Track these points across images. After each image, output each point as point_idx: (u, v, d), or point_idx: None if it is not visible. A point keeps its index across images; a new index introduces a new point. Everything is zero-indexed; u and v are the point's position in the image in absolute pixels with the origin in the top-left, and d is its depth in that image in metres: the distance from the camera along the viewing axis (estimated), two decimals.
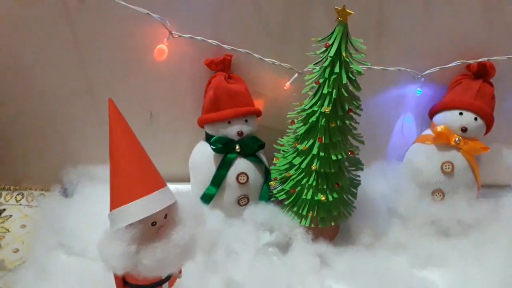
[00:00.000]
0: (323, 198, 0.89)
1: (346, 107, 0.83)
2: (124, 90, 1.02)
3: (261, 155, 0.99)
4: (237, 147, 0.94)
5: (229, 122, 0.94)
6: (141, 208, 0.63)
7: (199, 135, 1.03)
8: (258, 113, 0.97)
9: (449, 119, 0.97)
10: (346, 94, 0.81)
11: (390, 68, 0.99)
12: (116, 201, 0.65)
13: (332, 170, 0.87)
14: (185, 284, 0.81)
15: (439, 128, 0.97)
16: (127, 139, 0.66)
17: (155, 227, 0.65)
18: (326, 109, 0.81)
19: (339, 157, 0.85)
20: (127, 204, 0.63)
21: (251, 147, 0.95)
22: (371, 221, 0.97)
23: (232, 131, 0.94)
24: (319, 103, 0.83)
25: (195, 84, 1.01)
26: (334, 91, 0.80)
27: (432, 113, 1.01)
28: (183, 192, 0.72)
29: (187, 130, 1.05)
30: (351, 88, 0.84)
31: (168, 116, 1.06)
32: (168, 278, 0.72)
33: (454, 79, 1.01)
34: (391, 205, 1.00)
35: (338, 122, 0.83)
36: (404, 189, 1.00)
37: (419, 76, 0.99)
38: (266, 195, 0.97)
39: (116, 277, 0.68)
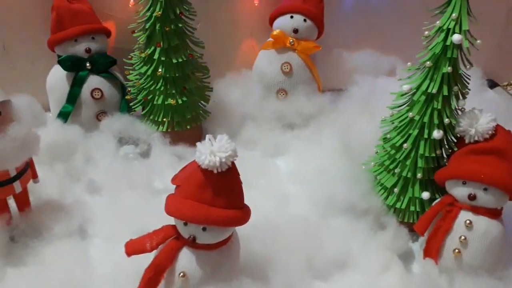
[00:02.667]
0: (173, 102, 0.97)
1: (177, 11, 0.90)
2: None
3: (116, 72, 1.04)
4: (88, 64, 0.99)
5: (75, 40, 0.98)
6: None
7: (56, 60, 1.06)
8: (105, 31, 1.01)
9: (283, 23, 1.07)
10: None
11: None
12: None
13: (177, 74, 0.95)
14: (46, 190, 0.87)
15: (274, 32, 1.07)
16: None
17: None
18: (158, 13, 0.89)
19: (180, 60, 0.93)
20: None
21: (102, 63, 1.00)
22: (226, 123, 1.08)
23: (80, 48, 0.98)
24: (151, 8, 0.90)
25: (44, 10, 1.03)
26: None
27: (271, 21, 1.11)
28: (22, 96, 0.77)
29: (44, 58, 1.06)
30: None
31: (22, 45, 1.07)
32: (18, 176, 0.77)
33: None
34: (243, 108, 1.11)
35: (172, 26, 0.91)
36: (252, 93, 1.11)
37: None
38: (124, 109, 1.03)
39: None
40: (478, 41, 0.71)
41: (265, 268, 0.73)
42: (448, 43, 0.70)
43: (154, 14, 0.89)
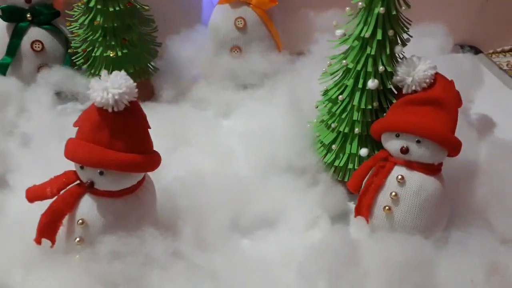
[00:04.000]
0: (112, 54, 0.93)
1: None
2: None
3: (60, 25, 1.01)
4: (28, 15, 0.95)
5: None
6: None
7: None
8: None
9: None
10: None
11: None
12: None
13: (115, 24, 0.91)
14: None
15: None
16: None
17: None
18: None
19: (117, 8, 0.89)
20: None
21: (44, 14, 0.96)
22: (176, 80, 1.04)
23: None
24: None
25: None
26: None
27: None
28: None
29: None
30: None
31: None
32: None
33: None
34: (195, 66, 1.06)
35: None
36: (205, 50, 1.07)
37: None
38: (68, 63, 0.99)
39: None
40: None
41: (184, 221, 0.70)
42: None
43: None
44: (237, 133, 0.93)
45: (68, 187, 0.63)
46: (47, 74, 0.94)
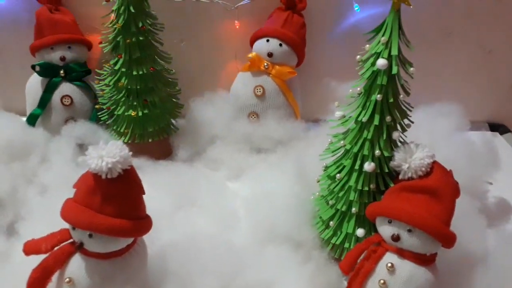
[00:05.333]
0: (133, 114, 0.98)
1: (140, 24, 0.92)
2: None
3: (91, 82, 1.08)
4: (62, 71, 1.03)
5: (52, 48, 1.02)
6: None
7: None
8: (84, 42, 1.05)
9: (259, 46, 1.06)
10: (133, 11, 0.90)
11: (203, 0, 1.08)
12: None
13: (139, 86, 0.97)
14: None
15: (250, 55, 1.07)
16: None
17: None
18: (119, 25, 0.91)
19: (140, 72, 0.95)
20: None
21: (76, 72, 1.04)
22: (194, 140, 1.07)
23: (55, 56, 1.02)
24: (114, 20, 0.92)
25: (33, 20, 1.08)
26: (122, 8, 0.90)
27: (251, 44, 1.10)
28: None
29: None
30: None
31: (15, 50, 1.13)
32: None
33: (271, 13, 1.11)
34: (213, 127, 1.10)
35: (134, 39, 0.93)
36: (224, 113, 1.10)
37: (233, 8, 1.09)
38: (94, 118, 1.05)
39: None
40: (412, 69, 0.66)
41: (169, 287, 0.71)
42: (375, 68, 0.66)
43: (115, 26, 0.91)
44: (242, 197, 0.95)
45: (61, 245, 0.66)
46: (71, 127, 1.00)
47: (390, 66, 0.65)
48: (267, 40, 1.05)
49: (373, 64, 0.66)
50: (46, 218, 0.84)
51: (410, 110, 0.72)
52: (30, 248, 0.67)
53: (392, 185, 0.72)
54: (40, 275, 0.64)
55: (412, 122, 0.73)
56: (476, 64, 1.23)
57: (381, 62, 0.64)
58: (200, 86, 1.15)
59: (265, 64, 1.05)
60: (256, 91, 1.06)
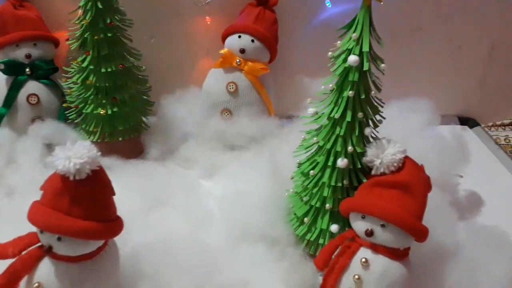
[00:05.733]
0: (102, 112, 0.96)
1: (108, 20, 0.90)
2: None
3: (58, 80, 1.05)
4: (27, 69, 0.99)
5: (17, 45, 0.98)
6: None
7: None
8: (50, 39, 1.02)
9: (231, 42, 1.05)
10: (101, 7, 0.88)
11: None
12: None
13: (107, 84, 0.94)
14: None
15: (222, 51, 1.05)
16: None
17: None
18: (86, 21, 0.88)
19: (109, 69, 0.93)
20: None
21: (43, 70, 1.00)
22: (165, 138, 1.06)
23: (20, 53, 0.99)
24: (82, 16, 0.90)
25: None
26: (89, 4, 0.87)
27: (223, 40, 1.09)
28: None
29: None
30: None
31: None
32: None
33: (243, 9, 1.10)
34: (185, 125, 1.09)
35: (102, 35, 0.90)
36: (196, 111, 1.09)
37: (204, 3, 1.07)
38: (62, 117, 1.02)
39: None
40: (383, 65, 0.66)
41: None
42: (346, 65, 0.66)
43: (83, 22, 0.89)
44: (215, 196, 0.93)
45: (29, 249, 0.64)
46: (38, 126, 0.97)
47: (361, 63, 0.65)
48: (239, 36, 1.04)
49: (345, 60, 0.66)
50: (13, 221, 0.81)
51: (382, 106, 0.72)
52: None
53: (365, 180, 0.72)
54: (7, 281, 0.62)
55: (384, 118, 0.73)
56: (446, 59, 1.25)
57: (353, 59, 0.64)
58: (171, 83, 1.13)
59: (237, 60, 1.04)
60: (229, 87, 1.05)
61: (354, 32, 0.65)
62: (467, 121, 1.33)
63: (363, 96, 0.67)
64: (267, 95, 1.08)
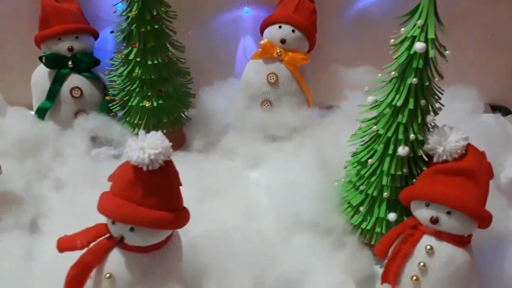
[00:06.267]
0: (148, 104, 0.96)
1: (154, 12, 0.90)
2: None
3: (100, 73, 1.05)
4: (70, 62, 0.99)
5: (59, 39, 0.99)
6: None
7: None
8: (91, 32, 1.02)
9: (271, 33, 1.05)
10: None
11: None
12: None
13: (153, 76, 0.94)
14: (11, 184, 0.87)
15: (262, 42, 1.05)
16: None
17: None
18: (133, 13, 0.88)
19: (155, 62, 0.92)
20: None
21: (85, 63, 1.00)
22: (207, 130, 1.06)
23: (63, 46, 0.99)
24: (128, 9, 0.90)
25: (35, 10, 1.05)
26: None
27: (262, 31, 1.09)
28: None
29: (37, 55, 1.08)
30: None
31: (16, 42, 1.09)
32: None
33: None
34: (226, 117, 1.09)
35: (148, 27, 0.90)
36: (237, 102, 1.09)
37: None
38: (104, 109, 1.02)
39: None
40: (447, 52, 0.66)
41: (208, 278, 0.70)
42: (412, 52, 0.65)
43: (129, 15, 0.89)
44: (263, 187, 0.94)
45: (98, 240, 0.65)
46: (84, 120, 0.97)
47: (426, 50, 0.65)
48: (280, 27, 1.04)
49: (409, 47, 0.66)
50: (67, 214, 0.82)
51: (442, 94, 0.72)
52: (64, 245, 0.64)
53: (424, 168, 0.72)
54: (79, 272, 0.63)
55: (443, 106, 0.73)
56: (479, 47, 1.24)
57: (420, 46, 0.64)
58: (208, 75, 1.13)
59: (278, 50, 1.04)
60: (269, 78, 1.05)
61: (418, 19, 0.65)
62: (500, 109, 1.33)
63: (426, 83, 0.67)
64: (306, 86, 1.08)
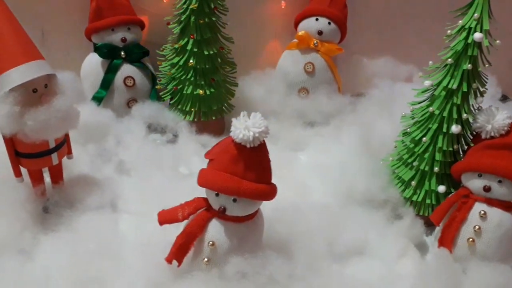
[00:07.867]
0: (201, 92, 1.02)
1: (212, 5, 0.96)
2: (13, 9, 1.08)
3: (147, 63, 1.10)
4: (122, 53, 1.04)
5: (112, 30, 1.03)
6: (21, 74, 0.72)
7: (91, 51, 1.11)
8: (140, 23, 1.07)
9: (308, 25, 1.12)
10: None
11: None
12: None
13: (207, 66, 1.01)
14: (78, 167, 0.92)
15: (300, 33, 1.13)
16: (6, 16, 0.75)
17: (37, 94, 0.74)
18: (194, 5, 0.94)
19: (211, 52, 0.99)
20: (9, 71, 0.72)
21: (136, 53, 1.06)
22: None
23: (116, 37, 1.04)
24: (188, 1, 0.96)
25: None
26: None
27: (296, 24, 1.17)
28: (66, 72, 0.82)
29: (79, 47, 1.12)
30: None
31: (59, 33, 1.12)
32: (57, 148, 0.81)
33: None
34: (266, 105, 1.16)
35: (206, 19, 0.96)
36: (275, 90, 1.16)
37: None
38: (154, 97, 1.07)
39: (6, 142, 0.77)
40: (498, 41, 0.76)
41: (288, 246, 0.77)
42: (469, 41, 0.75)
43: (190, 7, 0.94)
44: (313, 167, 1.01)
45: (197, 212, 0.71)
46: (140, 107, 1.02)
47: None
48: (316, 19, 1.12)
49: (466, 37, 0.75)
50: (141, 194, 0.88)
51: (487, 79, 0.82)
52: (166, 218, 0.71)
53: (472, 145, 0.82)
54: (185, 241, 0.69)
55: (487, 89, 0.83)
56: None
57: (478, 36, 0.73)
58: (244, 65, 1.19)
59: (315, 41, 1.12)
60: (307, 67, 1.13)
61: (474, 12, 0.74)
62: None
63: (479, 69, 0.77)
64: (338, 74, 1.16)
